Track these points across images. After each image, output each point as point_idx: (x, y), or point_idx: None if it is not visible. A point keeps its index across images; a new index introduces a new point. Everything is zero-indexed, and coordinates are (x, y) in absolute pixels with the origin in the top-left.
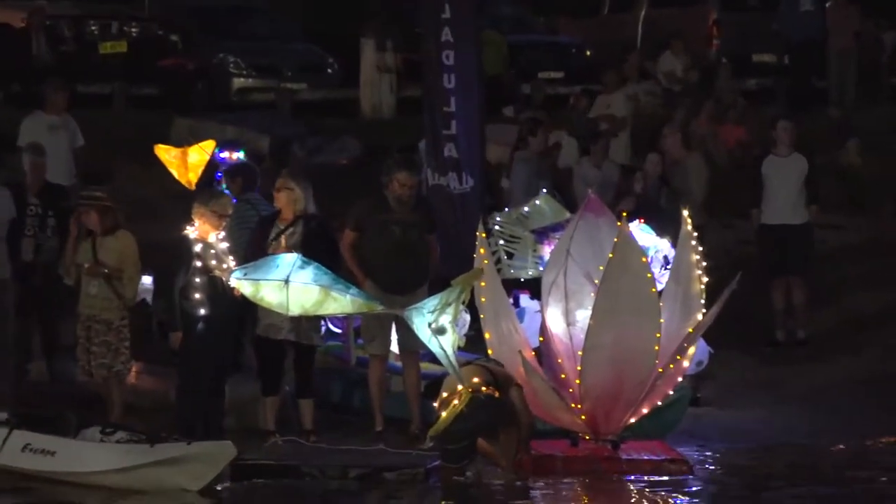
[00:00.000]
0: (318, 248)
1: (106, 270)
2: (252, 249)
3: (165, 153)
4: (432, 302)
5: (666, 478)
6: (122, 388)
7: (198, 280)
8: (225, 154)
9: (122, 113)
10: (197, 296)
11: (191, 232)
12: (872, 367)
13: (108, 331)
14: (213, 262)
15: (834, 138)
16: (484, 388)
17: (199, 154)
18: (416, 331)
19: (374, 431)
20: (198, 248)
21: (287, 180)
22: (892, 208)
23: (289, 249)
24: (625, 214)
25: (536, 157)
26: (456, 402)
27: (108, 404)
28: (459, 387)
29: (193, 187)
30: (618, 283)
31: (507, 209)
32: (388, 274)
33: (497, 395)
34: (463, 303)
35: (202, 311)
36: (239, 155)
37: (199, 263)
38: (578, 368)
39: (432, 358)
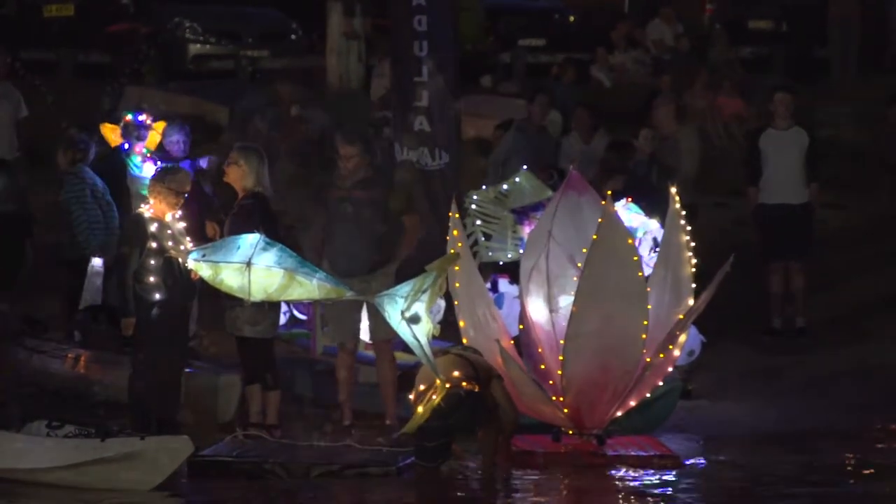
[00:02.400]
0: (243, 230)
1: None
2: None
3: (112, 133)
4: (405, 288)
5: (655, 475)
6: None
7: (153, 262)
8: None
9: (68, 82)
10: (152, 279)
11: (145, 210)
12: (875, 356)
13: None
14: (170, 243)
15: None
16: (465, 384)
17: (152, 136)
18: (387, 318)
19: (343, 426)
20: (153, 227)
21: (236, 155)
22: (890, 185)
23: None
24: (609, 193)
25: (536, 130)
26: (434, 396)
27: None
28: (438, 380)
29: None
30: (602, 267)
31: (484, 186)
32: (339, 253)
33: (477, 389)
34: (439, 289)
35: (157, 296)
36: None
37: (154, 244)
38: (560, 358)
39: (404, 346)
